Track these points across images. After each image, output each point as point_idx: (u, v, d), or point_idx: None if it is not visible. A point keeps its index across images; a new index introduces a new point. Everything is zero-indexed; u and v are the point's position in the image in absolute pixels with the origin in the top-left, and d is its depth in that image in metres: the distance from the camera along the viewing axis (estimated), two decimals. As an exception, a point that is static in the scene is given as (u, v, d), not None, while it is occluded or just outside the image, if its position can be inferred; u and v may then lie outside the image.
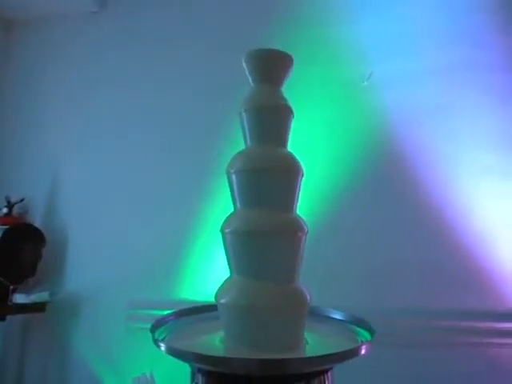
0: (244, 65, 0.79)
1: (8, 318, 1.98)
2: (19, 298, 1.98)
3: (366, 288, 1.85)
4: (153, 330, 0.74)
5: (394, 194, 1.98)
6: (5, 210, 2.15)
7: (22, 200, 2.21)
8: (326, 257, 1.88)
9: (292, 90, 2.02)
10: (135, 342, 2.02)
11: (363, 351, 0.65)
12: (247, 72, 0.80)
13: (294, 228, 0.77)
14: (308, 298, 0.77)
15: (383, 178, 1.99)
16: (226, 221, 0.77)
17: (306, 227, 0.78)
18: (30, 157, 2.32)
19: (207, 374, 0.66)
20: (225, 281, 0.79)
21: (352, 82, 2.09)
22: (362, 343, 0.68)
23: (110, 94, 2.25)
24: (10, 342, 2.01)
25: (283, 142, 0.79)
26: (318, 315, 0.83)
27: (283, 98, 0.79)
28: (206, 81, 2.11)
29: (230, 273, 0.79)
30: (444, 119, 2.02)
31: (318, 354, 0.62)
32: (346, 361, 0.64)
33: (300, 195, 0.82)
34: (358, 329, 0.77)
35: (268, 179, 0.74)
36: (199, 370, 0.67)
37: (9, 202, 2.17)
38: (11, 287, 1.99)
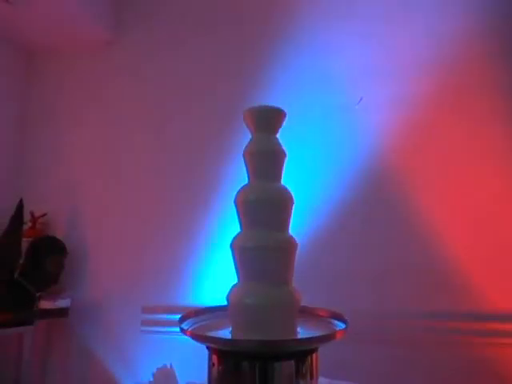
0: (244, 119, 1.05)
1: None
2: (44, 304, 2.24)
3: (357, 292, 2.10)
4: (180, 322, 0.99)
5: (384, 206, 2.25)
6: (29, 224, 2.41)
7: (44, 214, 2.48)
8: (324, 264, 2.14)
9: (291, 113, 2.33)
10: (150, 344, 2.27)
11: (338, 336, 0.89)
12: (246, 125, 1.06)
13: (287, 244, 1.02)
14: (299, 297, 1.01)
15: (375, 191, 2.26)
16: (234, 238, 1.02)
17: (296, 243, 1.03)
18: (51, 175, 2.59)
19: (220, 354, 0.91)
20: (233, 285, 1.03)
21: (345, 105, 2.36)
22: (337, 330, 0.93)
23: (125, 117, 2.52)
24: (36, 343, 2.25)
25: (278, 178, 1.04)
26: (306, 312, 1.08)
27: (278, 144, 1.05)
28: (214, 110, 2.37)
29: (238, 279, 1.03)
30: (427, 138, 2.29)
31: (305, 336, 0.87)
32: (326, 342, 0.89)
33: (292, 218, 1.07)
34: (337, 322, 1.02)
35: (266, 207, 0.99)
36: (214, 352, 0.92)
37: (33, 216, 2.43)
38: (37, 294, 2.24)
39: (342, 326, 0.99)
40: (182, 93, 2.44)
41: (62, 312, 2.26)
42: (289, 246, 1.02)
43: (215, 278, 2.14)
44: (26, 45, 2.67)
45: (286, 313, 0.98)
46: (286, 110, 1.11)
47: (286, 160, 1.06)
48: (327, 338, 0.90)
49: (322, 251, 2.15)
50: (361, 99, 2.39)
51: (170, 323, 2.20)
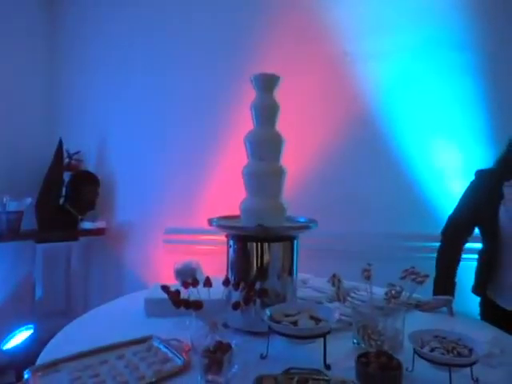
0: (250, 82, 1.56)
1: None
2: (85, 225, 2.86)
3: (347, 215, 2.69)
4: (209, 221, 1.56)
5: (370, 146, 2.77)
6: (66, 160, 2.97)
7: (78, 152, 3.02)
8: (319, 192, 2.71)
9: (290, 65, 2.87)
10: (171, 258, 2.90)
11: (311, 228, 1.48)
12: (252, 86, 1.57)
13: (279, 171, 1.58)
14: (286, 206, 1.59)
15: (361, 134, 2.78)
16: (244, 167, 1.58)
17: (285, 171, 1.58)
18: (83, 117, 3.10)
19: (234, 238, 1.50)
20: (244, 199, 1.60)
21: (336, 57, 2.80)
22: (310, 225, 1.51)
23: (145, 61, 2.97)
24: (80, 255, 2.91)
25: (274, 124, 1.58)
26: (291, 220, 1.66)
27: (273, 100, 1.57)
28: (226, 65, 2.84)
29: (246, 194, 1.60)
30: (411, 87, 2.75)
31: (288, 225, 1.47)
32: (303, 230, 1.47)
33: (283, 152, 1.61)
34: (313, 224, 1.59)
35: (266, 145, 1.54)
36: (231, 237, 1.51)
37: (68, 153, 2.98)
38: (79, 217, 2.85)
39: (315, 226, 1.57)
40: (191, 42, 2.88)
41: (100, 231, 2.89)
42: (280, 172, 1.58)
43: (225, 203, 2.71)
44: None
45: (276, 215, 1.56)
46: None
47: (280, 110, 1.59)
48: (301, 228, 1.50)
49: (315, 181, 2.72)
50: (351, 52, 2.82)
51: (187, 240, 2.84)
